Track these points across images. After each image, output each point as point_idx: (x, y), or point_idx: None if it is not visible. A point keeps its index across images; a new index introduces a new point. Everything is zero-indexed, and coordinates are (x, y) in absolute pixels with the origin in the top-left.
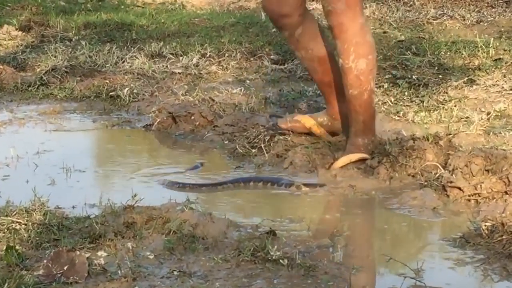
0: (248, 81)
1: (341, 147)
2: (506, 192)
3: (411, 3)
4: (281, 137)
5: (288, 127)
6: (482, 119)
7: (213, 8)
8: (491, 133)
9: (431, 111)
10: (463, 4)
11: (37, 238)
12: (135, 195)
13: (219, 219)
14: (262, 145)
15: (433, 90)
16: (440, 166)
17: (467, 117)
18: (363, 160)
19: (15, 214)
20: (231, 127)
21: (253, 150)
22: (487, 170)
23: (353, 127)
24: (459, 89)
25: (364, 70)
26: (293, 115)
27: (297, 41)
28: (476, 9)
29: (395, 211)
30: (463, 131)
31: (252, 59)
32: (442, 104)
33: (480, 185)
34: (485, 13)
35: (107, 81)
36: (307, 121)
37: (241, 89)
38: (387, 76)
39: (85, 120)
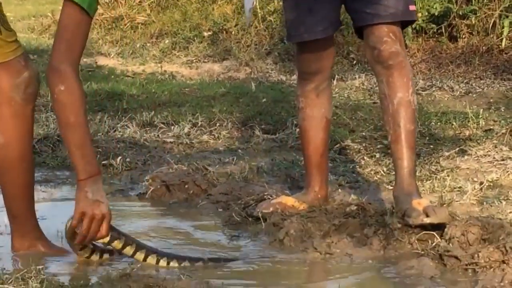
0: (240, 151)
1: (338, 215)
2: (503, 261)
3: None
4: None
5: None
6: (475, 189)
7: (202, 78)
8: (485, 202)
9: (424, 181)
10: (452, 76)
11: None
12: (131, 263)
13: None
14: (261, 212)
15: (425, 160)
16: (436, 235)
17: (460, 187)
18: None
19: (11, 282)
20: (225, 195)
21: (250, 219)
22: (484, 239)
23: (407, 167)
24: (451, 159)
25: (416, 107)
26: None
27: (317, 96)
28: (465, 81)
29: (392, 280)
30: (457, 201)
31: (243, 128)
32: (435, 174)
33: (478, 254)
34: (473, 84)
35: (99, 150)
36: (288, 200)
37: (233, 158)
38: (378, 146)
39: None
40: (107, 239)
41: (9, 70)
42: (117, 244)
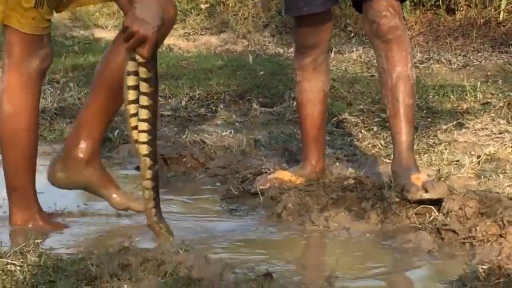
0: (237, 124)
1: (335, 188)
2: (501, 235)
3: None
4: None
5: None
6: (472, 162)
7: (200, 51)
8: (482, 176)
9: (422, 154)
10: (449, 49)
11: (33, 280)
12: (129, 237)
13: (215, 261)
14: (258, 188)
15: (423, 134)
16: (434, 209)
17: (457, 160)
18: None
19: (9, 256)
20: (223, 169)
21: (248, 193)
22: (482, 213)
23: (406, 141)
24: (449, 132)
25: (415, 81)
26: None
27: (314, 69)
28: (462, 53)
29: (390, 253)
30: (454, 174)
31: (240, 102)
32: (432, 148)
33: (475, 228)
34: (471, 57)
35: None
36: (285, 175)
37: (231, 132)
38: (376, 119)
39: None
40: (145, 70)
41: (33, 43)
42: (146, 101)
